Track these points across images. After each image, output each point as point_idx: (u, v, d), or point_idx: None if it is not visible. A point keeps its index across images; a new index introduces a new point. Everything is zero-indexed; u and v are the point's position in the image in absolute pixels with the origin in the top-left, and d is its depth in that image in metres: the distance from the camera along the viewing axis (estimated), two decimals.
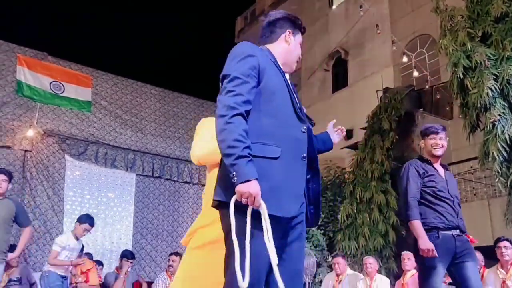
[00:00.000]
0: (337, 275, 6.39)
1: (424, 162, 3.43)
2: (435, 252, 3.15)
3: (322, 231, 8.59)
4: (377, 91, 10.38)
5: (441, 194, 3.30)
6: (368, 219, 7.93)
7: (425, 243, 3.17)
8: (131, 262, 6.15)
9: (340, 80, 13.50)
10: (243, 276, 1.64)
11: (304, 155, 1.88)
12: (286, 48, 2.06)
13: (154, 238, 7.29)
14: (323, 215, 8.69)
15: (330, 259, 7.97)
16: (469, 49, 6.07)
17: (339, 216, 8.25)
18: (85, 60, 7.47)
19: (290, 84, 1.95)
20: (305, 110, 2.01)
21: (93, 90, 7.17)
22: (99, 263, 6.21)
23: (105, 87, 7.39)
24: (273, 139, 1.83)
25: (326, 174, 9.57)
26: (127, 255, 6.18)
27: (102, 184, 7.11)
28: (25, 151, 6.47)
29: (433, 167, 3.41)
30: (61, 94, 6.77)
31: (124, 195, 7.30)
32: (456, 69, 6.10)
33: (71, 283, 5.48)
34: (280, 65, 1.98)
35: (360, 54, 12.83)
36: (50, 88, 6.69)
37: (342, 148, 11.18)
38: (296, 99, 1.94)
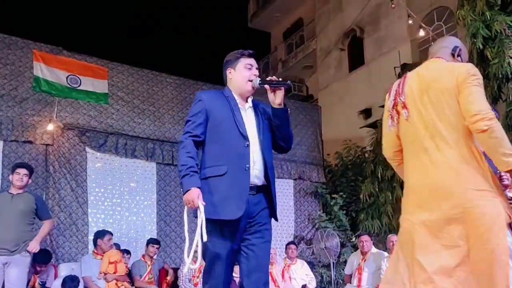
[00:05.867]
0: (363, 253, 6.39)
1: None
2: None
3: (345, 211, 8.58)
4: (394, 67, 10.21)
5: None
6: (390, 197, 7.87)
7: None
8: (157, 248, 6.27)
9: (356, 58, 13.31)
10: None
11: (248, 165, 2.35)
12: (232, 82, 2.55)
13: (178, 225, 7.36)
14: (345, 195, 8.67)
15: (353, 239, 7.97)
16: (488, 18, 5.89)
17: (361, 196, 8.21)
18: (100, 52, 7.51)
19: (237, 112, 2.44)
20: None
21: (109, 82, 7.20)
22: (127, 251, 6.33)
23: (121, 78, 7.42)
24: (221, 160, 2.36)
25: (346, 154, 9.52)
26: (151, 241, 6.32)
27: (123, 175, 7.18)
28: (47, 145, 6.55)
29: None
30: (78, 88, 6.83)
31: (146, 184, 7.37)
32: (475, 40, 5.95)
33: (100, 273, 5.60)
34: (237, 95, 2.51)
35: (375, 31, 12.61)
36: (67, 82, 6.76)
37: (362, 127, 11.08)
38: (242, 122, 2.42)
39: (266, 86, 2.44)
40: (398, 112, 2.16)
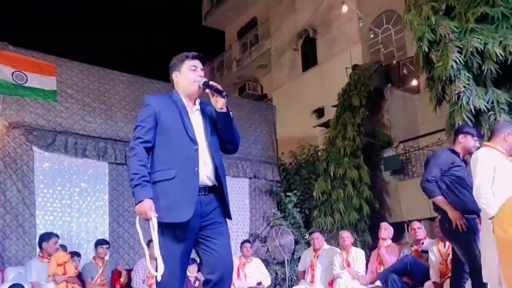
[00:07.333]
0: (315, 250, 6.53)
1: (454, 154, 3.87)
2: (464, 220, 3.58)
3: (298, 209, 8.72)
4: (346, 68, 10.47)
5: (465, 183, 3.75)
6: (342, 194, 8.07)
7: (455, 213, 3.61)
8: (107, 248, 6.14)
9: (309, 59, 13.54)
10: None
11: (196, 169, 2.40)
12: (179, 85, 2.60)
13: (131, 226, 7.21)
14: (298, 193, 8.81)
15: (307, 236, 8.12)
16: (434, 22, 6.14)
17: (314, 193, 8.37)
18: (47, 48, 7.22)
19: (185, 115, 2.49)
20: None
21: (58, 79, 6.95)
22: (77, 254, 6.14)
23: (70, 75, 7.17)
24: (170, 164, 2.41)
25: (300, 153, 9.68)
26: (100, 242, 6.18)
27: (73, 175, 6.95)
28: None
29: (460, 159, 3.87)
30: (24, 84, 6.55)
31: (98, 184, 7.17)
32: (421, 43, 6.18)
33: (49, 276, 5.41)
34: (185, 98, 2.56)
35: (328, 32, 12.87)
36: (13, 79, 6.46)
37: (315, 126, 11.30)
38: (190, 126, 2.47)
39: (208, 90, 2.51)
40: None
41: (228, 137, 2.59)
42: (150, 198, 2.33)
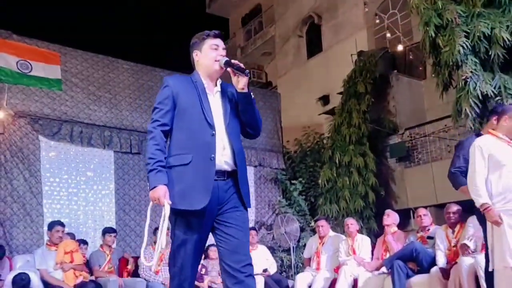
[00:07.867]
0: (320, 237, 6.54)
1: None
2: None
3: (304, 197, 8.73)
4: (351, 54, 10.37)
5: None
6: (348, 182, 8.06)
7: None
8: (115, 236, 6.19)
9: (314, 45, 13.43)
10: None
11: (213, 155, 2.31)
12: (199, 64, 2.52)
13: (137, 214, 7.26)
14: (303, 181, 8.81)
15: (312, 223, 8.14)
16: (440, 7, 6.06)
17: (319, 181, 8.37)
18: (52, 37, 7.20)
19: (204, 98, 2.40)
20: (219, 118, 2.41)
21: (63, 68, 6.94)
22: (84, 242, 6.20)
23: (75, 64, 7.17)
24: (186, 149, 2.33)
25: (305, 141, 9.66)
26: (107, 230, 6.22)
27: (79, 164, 6.99)
28: None
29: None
30: (29, 73, 6.55)
31: (104, 173, 7.21)
32: (427, 28, 6.11)
33: (56, 263, 5.47)
34: (205, 79, 2.47)
35: (333, 18, 12.75)
36: (17, 68, 6.47)
37: (320, 114, 11.25)
38: (209, 109, 2.38)
39: (229, 69, 2.41)
40: None
41: (249, 120, 2.47)
42: (165, 184, 2.26)
